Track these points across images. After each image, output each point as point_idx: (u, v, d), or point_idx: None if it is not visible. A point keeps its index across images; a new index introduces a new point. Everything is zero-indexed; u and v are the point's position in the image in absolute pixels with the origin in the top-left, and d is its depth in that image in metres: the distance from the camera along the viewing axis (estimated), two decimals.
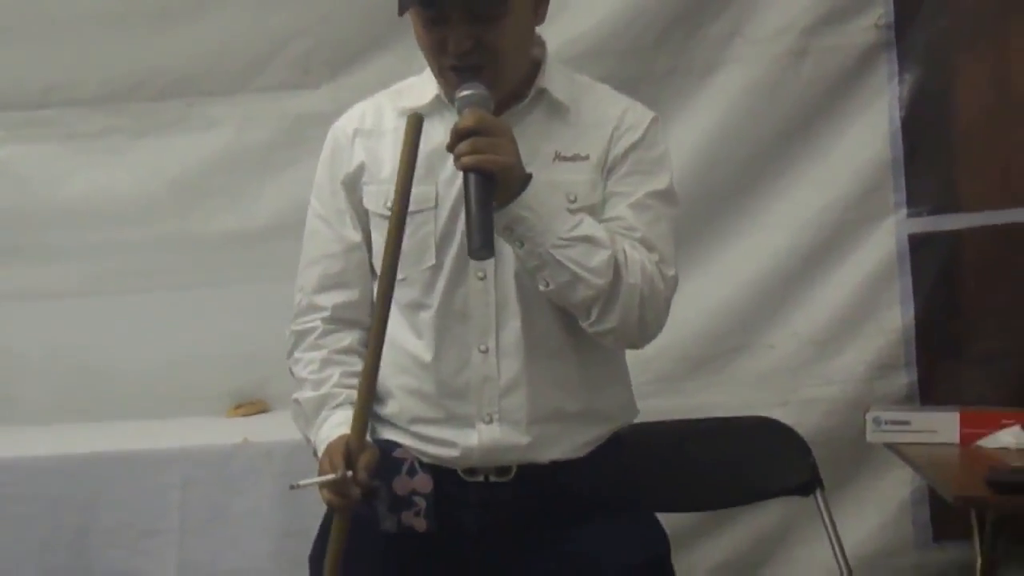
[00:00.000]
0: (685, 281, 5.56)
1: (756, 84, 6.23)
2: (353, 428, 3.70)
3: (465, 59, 3.70)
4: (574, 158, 3.84)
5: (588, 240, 3.66)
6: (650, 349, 4.27)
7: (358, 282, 4.05)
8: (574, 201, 3.77)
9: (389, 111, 4.03)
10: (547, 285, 3.70)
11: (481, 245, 3.48)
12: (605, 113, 3.93)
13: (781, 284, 6.25)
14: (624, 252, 3.71)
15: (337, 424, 3.85)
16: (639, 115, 3.96)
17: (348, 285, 4.05)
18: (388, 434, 4.02)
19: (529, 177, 3.63)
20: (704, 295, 6.20)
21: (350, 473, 3.61)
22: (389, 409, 4.04)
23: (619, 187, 3.87)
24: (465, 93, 3.67)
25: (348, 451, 3.64)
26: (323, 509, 4.05)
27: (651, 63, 6.17)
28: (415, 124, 3.69)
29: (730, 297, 6.25)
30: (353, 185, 4.03)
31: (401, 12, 3.78)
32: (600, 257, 3.64)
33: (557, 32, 5.21)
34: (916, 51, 6.20)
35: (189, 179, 6.42)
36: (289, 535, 5.11)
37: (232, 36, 6.37)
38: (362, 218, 4.04)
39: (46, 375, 6.52)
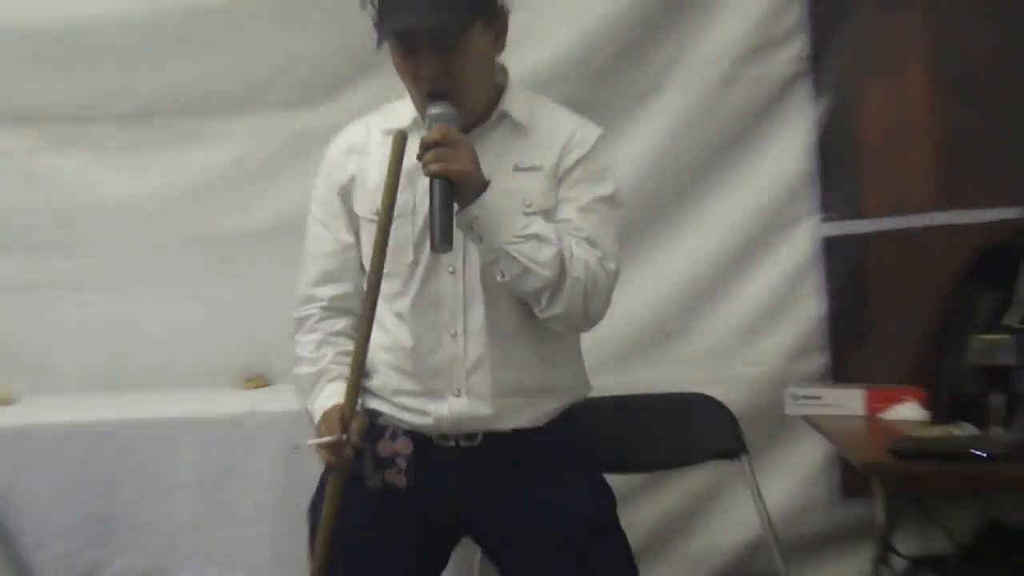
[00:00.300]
0: (632, 275, 5.71)
1: (693, 106, 6.22)
2: (346, 398, 3.80)
3: (436, 84, 3.76)
4: (530, 169, 3.89)
5: (537, 237, 3.70)
6: (601, 334, 4.33)
7: (350, 277, 4.13)
8: (530, 205, 3.82)
9: (376, 131, 4.08)
10: (503, 276, 3.74)
11: (441, 240, 3.62)
12: (558, 130, 3.97)
13: (714, 279, 6.27)
14: (570, 249, 3.75)
15: (331, 395, 3.93)
16: (588, 132, 3.99)
17: (342, 279, 4.14)
18: (374, 404, 4.06)
19: (487, 184, 3.69)
20: (648, 288, 6.20)
21: (344, 436, 3.71)
22: (375, 382, 4.08)
23: (569, 193, 3.91)
24: (434, 112, 3.74)
25: (342, 418, 3.75)
26: (319, 468, 4.10)
27: (603, 87, 6.15)
28: (400, 141, 3.78)
29: (671, 290, 6.26)
30: (346, 194, 4.10)
31: (379, 45, 3.83)
32: (548, 252, 3.70)
33: (523, 60, 5.20)
34: (829, 80, 6.21)
35: (204, 185, 6.41)
36: (289, 490, 5.10)
37: (240, 62, 6.35)
38: (353, 222, 4.10)
39: (82, 351, 6.50)
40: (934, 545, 5.80)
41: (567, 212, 3.89)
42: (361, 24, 4.07)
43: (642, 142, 6.24)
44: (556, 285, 3.73)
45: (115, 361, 6.45)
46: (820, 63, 6.21)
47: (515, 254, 3.69)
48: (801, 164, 6.23)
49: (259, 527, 5.47)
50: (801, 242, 6.24)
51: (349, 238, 4.12)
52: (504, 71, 4.05)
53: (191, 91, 6.42)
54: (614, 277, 3.91)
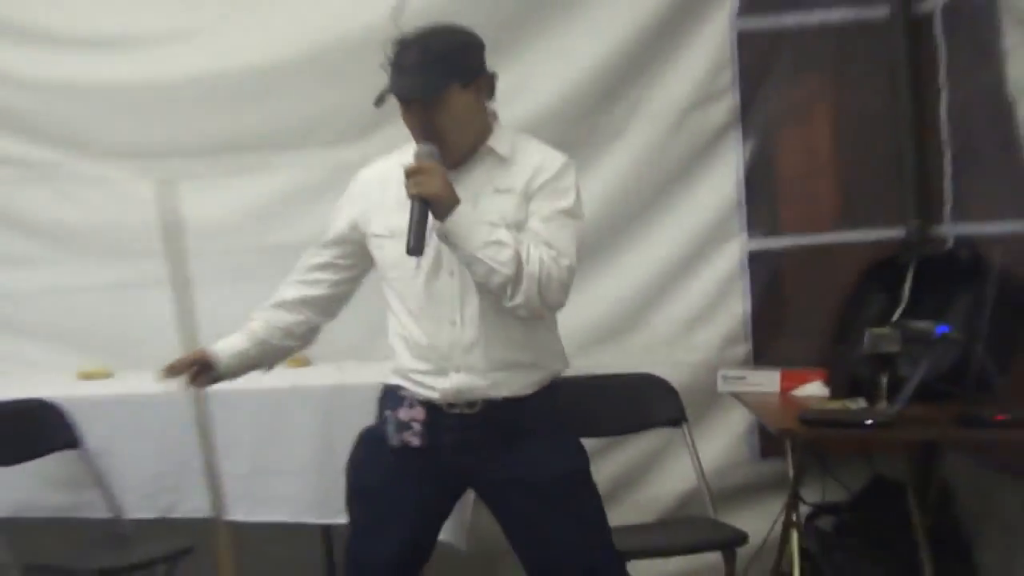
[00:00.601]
0: (599, 279, 6.17)
1: (648, 146, 6.24)
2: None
3: (422, 132, 3.93)
4: (507, 191, 3.97)
5: (498, 243, 3.79)
6: (574, 325, 4.61)
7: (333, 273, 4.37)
8: (504, 218, 3.89)
9: (394, 165, 4.04)
10: (475, 275, 3.85)
11: (413, 247, 3.81)
12: (531, 160, 4.02)
13: (663, 283, 6.28)
14: (527, 250, 3.82)
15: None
16: (554, 160, 4.03)
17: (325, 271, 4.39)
18: (395, 380, 4.13)
19: (457, 203, 3.80)
20: (612, 289, 6.24)
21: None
22: (396, 363, 4.14)
23: (535, 207, 3.95)
24: (419, 149, 3.91)
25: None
26: (354, 431, 4.31)
27: (580, 129, 6.15)
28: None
29: (627, 291, 6.26)
30: (360, 215, 4.21)
31: (377, 104, 3.98)
32: (507, 254, 3.77)
33: (520, 106, 5.84)
34: (753, 127, 6.22)
35: (264, 206, 6.47)
36: (326, 448, 5.12)
37: (293, 110, 6.38)
38: (354, 242, 4.26)
39: (164, 336, 6.45)
40: (831, 494, 5.80)
41: (532, 221, 3.93)
42: (386, 80, 4.14)
43: (609, 173, 6.26)
44: (515, 280, 3.79)
45: (191, 344, 6.42)
46: (746, 114, 6.21)
47: (482, 257, 3.78)
48: (731, 193, 6.24)
49: (300, 477, 5.48)
50: (731, 254, 6.25)
51: (335, 250, 4.33)
52: (494, 115, 4.13)
53: (255, 132, 6.47)
54: (568, 271, 3.92)
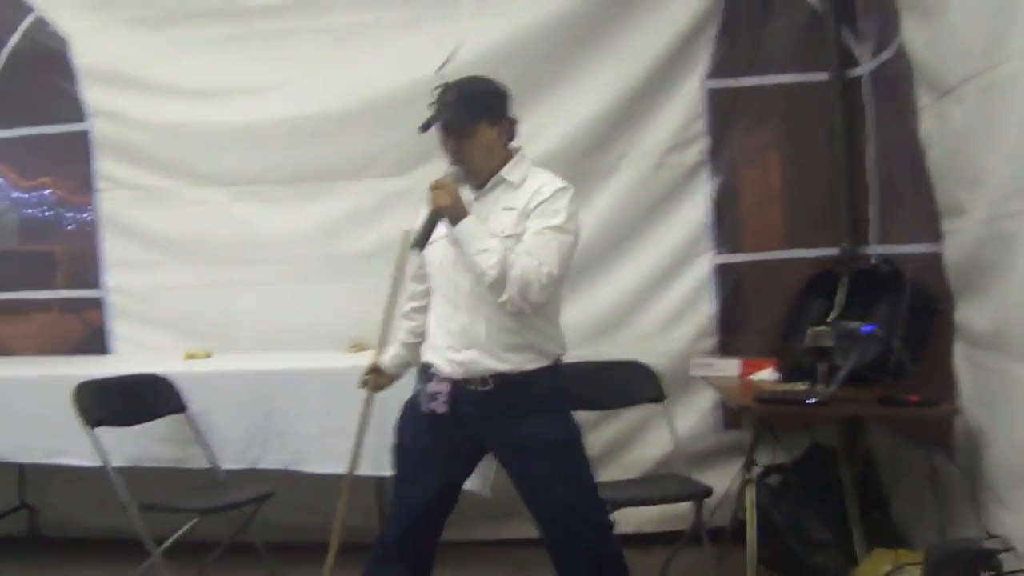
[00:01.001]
0: (595, 286, 6.28)
1: (635, 181, 6.26)
2: (376, 355, 4.62)
3: (453, 158, 4.15)
4: (510, 209, 4.11)
5: (487, 251, 3.98)
6: (575, 321, 4.92)
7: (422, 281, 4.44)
8: (504, 231, 4.05)
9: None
10: (474, 274, 4.05)
11: (416, 242, 4.10)
12: (532, 185, 4.15)
13: (646, 289, 6.27)
14: (512, 258, 3.99)
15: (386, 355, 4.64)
16: (550, 185, 4.14)
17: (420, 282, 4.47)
18: (428, 357, 4.29)
19: (463, 215, 4.04)
20: (605, 294, 6.25)
21: (366, 379, 4.64)
22: (429, 341, 4.31)
23: (530, 224, 4.07)
24: (448, 170, 4.14)
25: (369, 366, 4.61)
26: (401, 401, 4.45)
27: (583, 166, 6.13)
28: (404, 237, 4.48)
29: (619, 296, 6.26)
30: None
31: (422, 130, 4.18)
32: (492, 259, 3.97)
33: (540, 143, 5.86)
34: (720, 166, 6.24)
35: (331, 224, 6.49)
36: (379, 415, 5.11)
37: (355, 147, 6.43)
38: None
39: (251, 326, 6.55)
40: (779, 458, 5.70)
41: (526, 235, 4.05)
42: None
43: (604, 202, 6.26)
44: (499, 280, 3.97)
45: (272, 332, 6.53)
46: (714, 156, 6.23)
47: (476, 260, 4.00)
48: (702, 218, 6.22)
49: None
50: (701, 267, 6.24)
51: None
52: (515, 149, 4.26)
53: (323, 165, 6.52)
54: (547, 277, 4.01)
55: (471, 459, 4.43)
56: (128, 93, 6.67)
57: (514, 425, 4.14)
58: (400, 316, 4.57)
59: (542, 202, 4.08)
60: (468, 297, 4.13)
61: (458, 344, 4.14)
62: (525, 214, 4.09)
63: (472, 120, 4.11)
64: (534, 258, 3.99)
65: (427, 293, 4.39)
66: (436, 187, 4.03)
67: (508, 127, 4.23)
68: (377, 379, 4.63)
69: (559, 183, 4.16)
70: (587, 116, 6.28)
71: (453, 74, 4.98)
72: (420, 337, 4.42)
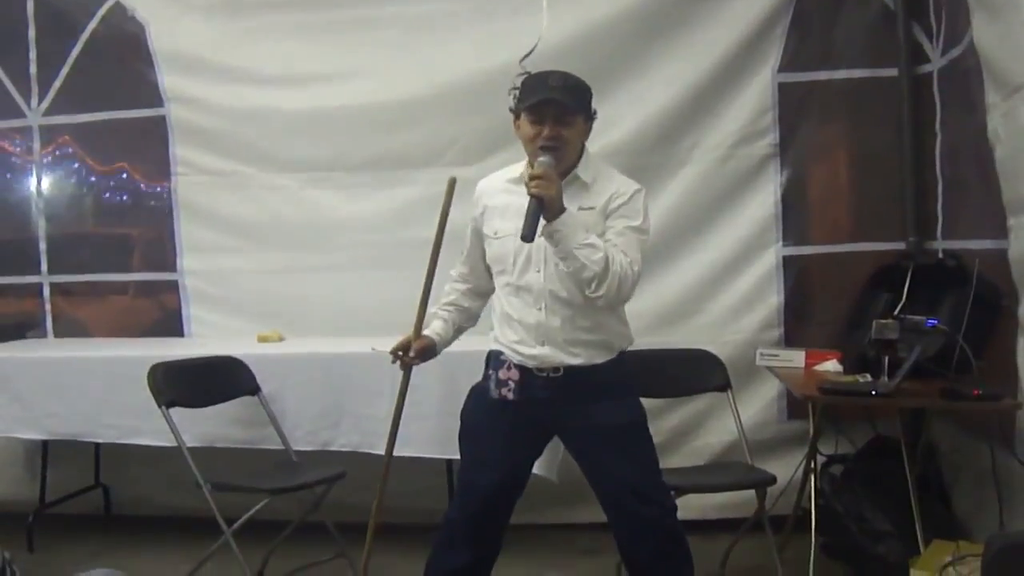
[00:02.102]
0: (665, 275, 6.25)
1: (706, 172, 6.33)
2: (413, 329, 4.47)
3: (550, 142, 4.08)
4: (589, 209, 4.15)
5: (592, 246, 3.99)
6: (644, 310, 5.14)
7: (471, 265, 4.52)
8: (588, 230, 4.04)
9: (500, 180, 4.39)
10: (568, 268, 4.04)
11: (526, 235, 3.95)
12: (609, 186, 4.22)
13: (715, 280, 6.34)
14: (612, 254, 4.02)
15: (430, 329, 4.52)
16: (627, 187, 4.23)
17: (467, 265, 4.55)
18: (497, 347, 4.34)
19: (564, 209, 3.98)
20: (673, 284, 6.33)
21: (400, 352, 4.47)
22: (497, 334, 4.35)
23: (612, 223, 4.15)
24: (541, 159, 4.04)
25: (406, 340, 4.46)
26: (467, 386, 4.52)
27: (653, 157, 6.27)
28: (451, 184, 4.48)
29: (687, 285, 6.34)
30: (477, 221, 4.42)
31: (518, 116, 4.22)
32: (598, 255, 3.98)
33: (609, 135, 5.98)
34: (789, 160, 6.31)
35: (401, 211, 6.59)
36: (448, 399, 5.28)
37: (426, 136, 6.55)
38: (480, 238, 4.42)
39: (323, 310, 6.68)
40: (842, 448, 5.82)
41: (610, 234, 4.11)
42: (500, 114, 4.36)
43: (675, 192, 6.34)
44: (601, 276, 3.99)
45: (344, 316, 6.67)
46: (784, 149, 6.29)
47: (577, 254, 3.98)
48: (770, 210, 6.30)
49: (427, 420, 5.61)
50: (768, 258, 6.31)
51: (472, 245, 4.48)
52: (585, 148, 4.28)
53: (397, 152, 6.63)
54: (638, 275, 4.11)
55: (538, 445, 4.51)
56: (205, 79, 6.82)
57: (583, 408, 4.21)
58: (443, 300, 4.61)
59: (622, 203, 4.17)
60: (544, 294, 4.18)
61: (531, 340, 4.21)
62: (604, 214, 4.17)
63: (576, 110, 4.17)
64: (627, 255, 4.08)
65: (476, 278, 4.54)
66: (540, 176, 3.97)
67: (590, 125, 4.31)
68: (408, 356, 4.49)
69: (634, 184, 4.27)
70: (659, 108, 6.34)
71: (529, 65, 5.13)
72: (461, 327, 4.60)
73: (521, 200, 4.06)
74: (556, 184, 4.00)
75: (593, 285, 4.03)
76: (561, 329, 4.18)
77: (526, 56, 4.94)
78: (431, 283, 4.49)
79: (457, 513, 4.45)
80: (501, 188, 4.37)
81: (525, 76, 4.32)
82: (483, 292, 4.57)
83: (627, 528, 4.31)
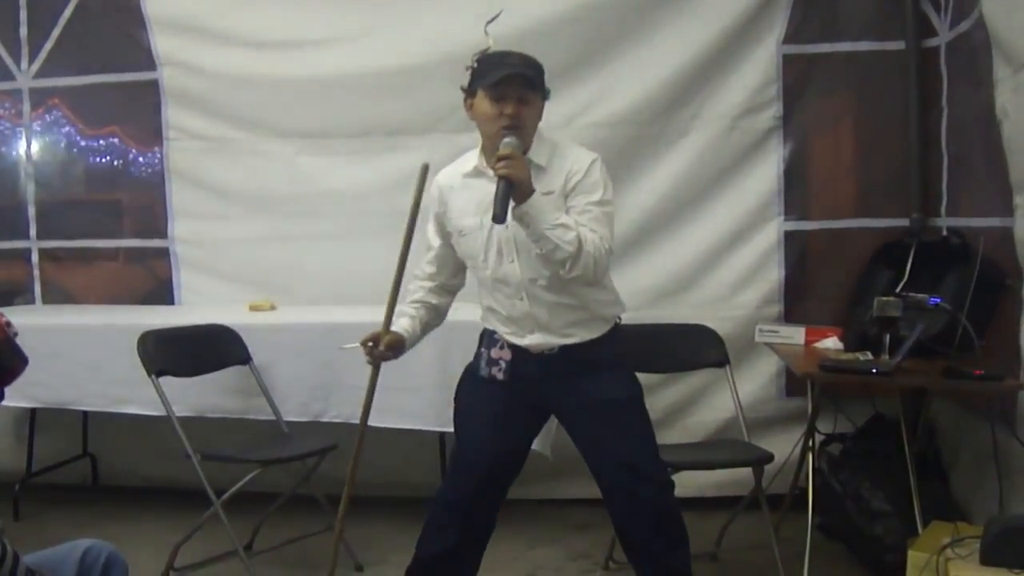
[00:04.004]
0: (662, 249, 6.28)
1: (707, 145, 6.32)
2: (384, 324, 4.36)
3: (513, 121, 4.05)
4: (548, 192, 4.08)
5: (564, 226, 3.97)
6: (641, 284, 5.33)
7: (438, 264, 4.46)
8: (560, 209, 4.05)
9: (456, 176, 4.38)
10: (541, 251, 4.01)
11: (498, 215, 3.88)
12: (562, 164, 4.18)
13: (714, 253, 6.35)
14: (584, 233, 4.00)
15: (398, 325, 4.39)
16: (581, 161, 4.19)
17: (434, 265, 4.48)
18: (493, 326, 4.35)
19: (533, 191, 3.94)
20: (672, 257, 6.34)
21: (370, 346, 4.33)
22: (488, 323, 4.38)
23: (573, 202, 4.12)
24: (507, 139, 4.02)
25: (374, 334, 4.34)
26: (463, 363, 4.50)
27: (652, 129, 6.28)
28: (424, 170, 4.38)
29: (686, 259, 6.34)
30: (441, 218, 4.40)
31: (473, 93, 4.22)
32: (571, 235, 3.97)
33: (605, 108, 6.02)
34: (792, 133, 6.30)
35: (397, 179, 6.44)
36: (442, 372, 5.32)
37: (424, 103, 6.50)
38: (445, 234, 4.40)
39: (315, 279, 6.70)
40: (841, 427, 5.85)
41: (573, 214, 4.08)
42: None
43: (675, 164, 6.33)
44: (575, 256, 3.98)
45: (337, 286, 6.66)
46: (787, 122, 6.28)
47: (550, 235, 3.95)
48: (772, 184, 6.30)
49: (422, 393, 5.62)
50: (769, 233, 6.31)
51: (437, 242, 4.43)
52: (538, 129, 4.25)
53: (393, 119, 6.62)
54: (610, 251, 4.12)
55: (534, 424, 4.52)
56: (199, 43, 6.80)
57: (577, 383, 4.22)
58: (410, 299, 4.54)
59: (580, 180, 4.14)
60: (523, 285, 4.18)
61: (521, 330, 4.23)
62: (564, 195, 4.15)
63: (538, 85, 4.16)
64: (596, 233, 4.06)
65: (443, 275, 4.50)
66: (508, 157, 3.94)
67: (543, 108, 4.26)
68: (378, 351, 4.39)
69: (588, 156, 4.24)
70: (660, 78, 6.32)
71: (529, 31, 5.34)
72: (429, 324, 4.53)
73: (481, 193, 4.11)
74: (524, 164, 4.01)
75: (568, 265, 4.02)
76: (550, 317, 4.20)
77: (491, 21, 4.97)
78: (401, 276, 4.42)
79: (449, 494, 4.44)
80: (459, 184, 4.36)
81: (480, 56, 4.26)
82: (450, 289, 4.54)
83: (623, 506, 4.31)
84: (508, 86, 4.08)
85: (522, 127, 4.09)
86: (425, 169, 4.37)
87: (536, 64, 4.18)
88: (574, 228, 4.00)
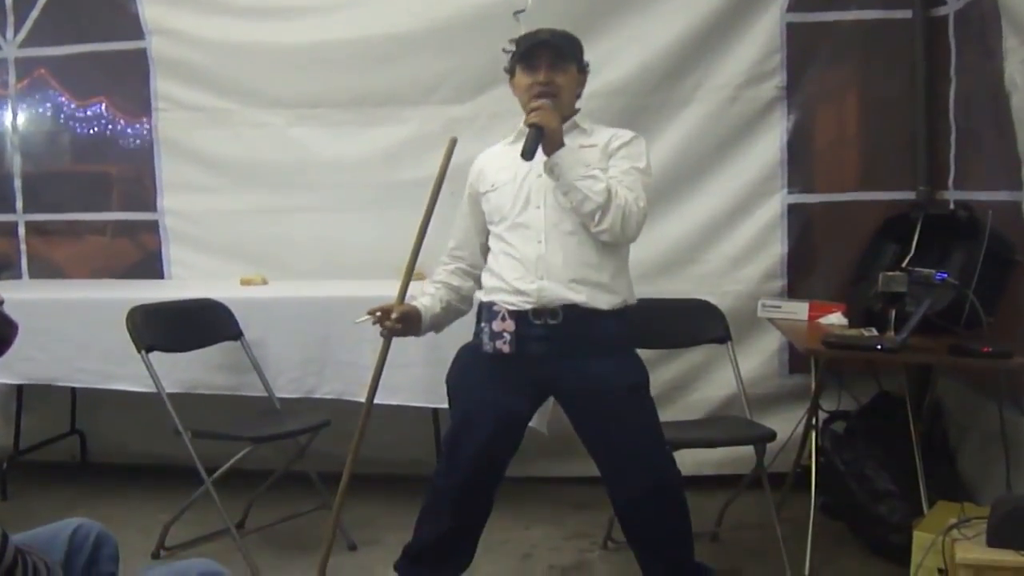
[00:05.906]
0: (663, 222, 6.14)
1: (709, 115, 6.30)
2: (398, 296, 4.47)
3: (545, 88, 4.21)
4: (590, 146, 4.26)
5: (593, 177, 4.09)
6: (642, 258, 4.80)
7: (465, 238, 4.59)
8: (589, 166, 4.13)
9: (497, 147, 4.54)
10: (571, 203, 4.13)
11: (527, 152, 4.07)
12: (606, 133, 4.37)
13: (716, 227, 6.34)
14: (615, 187, 4.10)
15: (416, 302, 4.53)
16: (626, 133, 4.37)
17: (459, 239, 4.62)
18: (493, 296, 4.30)
19: (563, 143, 4.11)
20: (672, 230, 6.31)
21: (380, 316, 4.41)
22: (493, 281, 4.34)
23: (614, 163, 4.24)
24: (541, 100, 4.17)
25: (385, 307, 4.41)
26: (458, 341, 4.50)
27: (654, 98, 6.27)
28: (452, 143, 4.51)
29: (686, 232, 6.33)
30: (475, 183, 4.51)
31: (513, 71, 4.37)
32: (600, 186, 4.07)
33: (607, 75, 5.99)
34: (797, 103, 6.27)
35: (390, 150, 6.59)
36: (434, 347, 5.12)
37: (417, 72, 6.51)
38: (477, 201, 4.49)
39: (308, 252, 6.69)
40: (845, 404, 5.84)
41: (613, 171, 4.19)
42: (494, 50, 4.48)
43: (676, 135, 6.31)
44: (605, 207, 4.07)
45: (329, 259, 6.68)
46: (791, 92, 6.26)
47: (579, 186, 4.08)
48: (776, 156, 6.28)
49: (413, 368, 5.58)
50: (773, 206, 6.29)
51: (467, 220, 4.57)
52: (579, 107, 4.45)
53: (385, 89, 6.61)
54: (643, 212, 4.18)
55: (532, 406, 4.47)
56: (188, 11, 6.79)
57: (583, 365, 4.20)
58: (432, 279, 4.68)
59: (623, 144, 4.28)
60: (545, 228, 4.22)
61: (530, 275, 4.19)
62: (607, 153, 4.26)
63: (569, 55, 4.32)
64: (632, 192, 4.15)
65: (468, 253, 4.60)
66: (541, 107, 4.12)
67: (584, 79, 4.45)
68: (389, 322, 4.45)
69: (625, 131, 4.38)
70: (662, 46, 6.30)
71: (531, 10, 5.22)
72: (450, 304, 4.59)
73: (517, 154, 4.16)
74: (555, 115, 4.13)
75: (597, 216, 4.10)
76: (564, 264, 4.20)
77: (518, 12, 4.97)
78: (419, 246, 4.49)
79: (443, 480, 4.45)
80: (499, 151, 4.50)
81: (514, 39, 4.40)
82: (472, 272, 4.59)
83: (625, 494, 4.32)
84: (538, 57, 4.25)
85: (555, 94, 4.23)
86: (453, 142, 4.50)
87: (567, 35, 4.37)
88: (604, 180, 4.10)
